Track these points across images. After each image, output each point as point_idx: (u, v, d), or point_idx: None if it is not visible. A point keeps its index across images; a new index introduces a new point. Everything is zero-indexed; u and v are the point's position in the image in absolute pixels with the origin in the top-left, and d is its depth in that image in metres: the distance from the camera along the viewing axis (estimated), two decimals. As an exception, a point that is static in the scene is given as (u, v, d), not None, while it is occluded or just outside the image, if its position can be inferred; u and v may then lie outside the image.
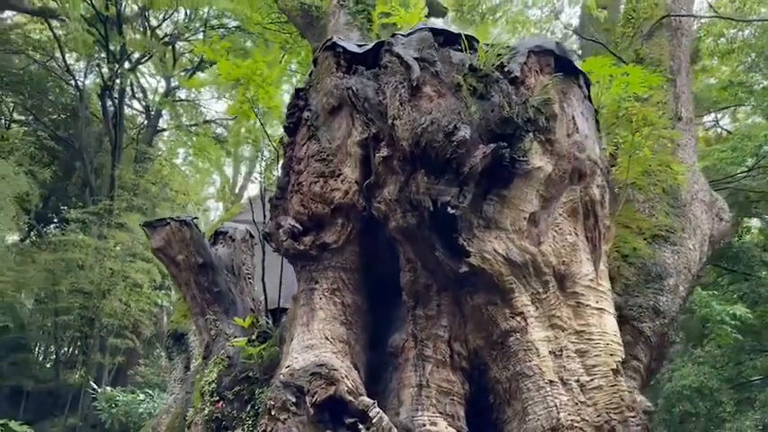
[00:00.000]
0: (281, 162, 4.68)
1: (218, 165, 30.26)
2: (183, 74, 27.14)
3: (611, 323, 3.87)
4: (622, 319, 7.09)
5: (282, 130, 4.68)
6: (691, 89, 9.52)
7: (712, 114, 17.68)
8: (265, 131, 5.70)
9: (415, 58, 4.11)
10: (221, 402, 4.45)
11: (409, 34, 4.40)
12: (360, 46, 4.62)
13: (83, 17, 19.55)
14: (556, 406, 3.44)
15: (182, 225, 5.26)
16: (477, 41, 4.32)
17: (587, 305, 3.82)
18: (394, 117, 3.83)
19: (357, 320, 4.10)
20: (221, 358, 4.69)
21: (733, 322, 10.43)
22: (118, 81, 20.06)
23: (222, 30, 21.44)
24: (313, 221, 4.22)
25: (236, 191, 33.43)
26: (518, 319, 3.70)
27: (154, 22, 22.45)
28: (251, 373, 4.45)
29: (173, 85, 25.54)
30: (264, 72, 5.12)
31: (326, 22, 13.45)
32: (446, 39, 4.33)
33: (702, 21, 14.36)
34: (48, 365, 20.39)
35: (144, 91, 26.03)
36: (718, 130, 18.19)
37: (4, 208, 15.85)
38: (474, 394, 3.83)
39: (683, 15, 9.77)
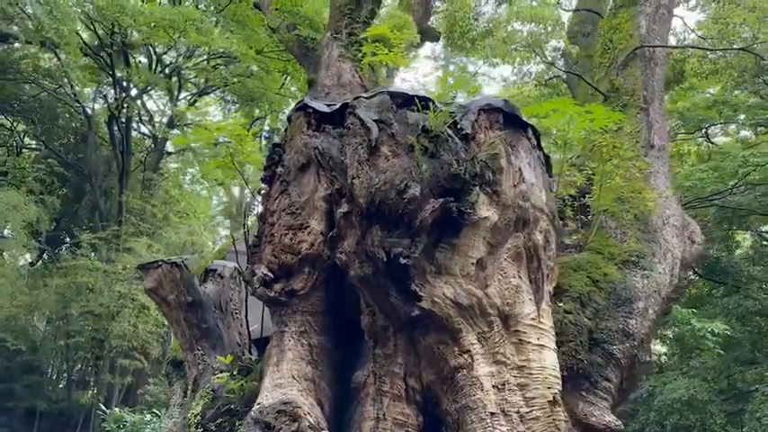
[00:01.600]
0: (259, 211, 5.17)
1: (225, 185, 30.90)
2: (190, 97, 27.89)
3: (550, 358, 4.30)
4: (593, 342, 7.53)
5: (260, 181, 5.17)
6: (664, 117, 9.95)
7: (703, 129, 18.01)
8: (246, 183, 6.21)
9: (375, 120, 4.59)
10: (205, 434, 4.90)
11: (371, 97, 4.88)
12: (329, 105, 5.11)
13: (87, 45, 20.20)
14: (492, 436, 3.88)
15: (173, 267, 5.75)
16: (432, 101, 4.80)
17: (529, 342, 4.26)
18: (353, 176, 4.31)
19: (323, 359, 4.57)
20: (206, 392, 5.16)
21: (713, 338, 10.77)
22: (124, 109, 20.70)
23: (225, 56, 22.13)
24: (283, 270, 4.70)
25: (243, 208, 34.06)
26: (465, 356, 4.16)
27: (159, 49, 23.13)
28: (232, 406, 4.90)
29: (179, 108, 26.23)
30: (239, 131, 5.62)
31: (321, 53, 14.02)
32: (404, 100, 4.81)
33: (687, 41, 14.78)
34: (60, 386, 20.93)
35: (151, 116, 26.74)
36: (710, 145, 18.53)
37: (15, 236, 16.48)
38: (428, 425, 4.27)
39: (655, 46, 10.21)
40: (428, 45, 20.70)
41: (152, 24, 12.16)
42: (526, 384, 4.12)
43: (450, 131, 4.69)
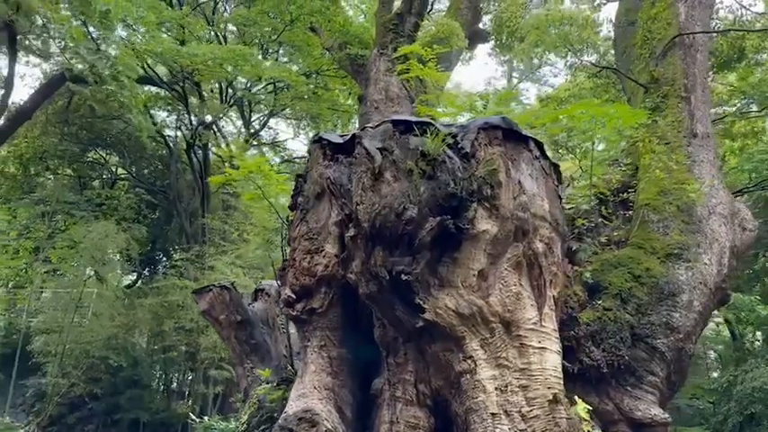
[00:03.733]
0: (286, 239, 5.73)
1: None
2: (262, 117, 29.28)
3: (551, 360, 4.57)
4: (636, 338, 7.64)
5: (289, 209, 5.73)
6: (708, 104, 9.78)
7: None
8: (277, 212, 6.80)
9: (379, 148, 5.04)
10: (250, 440, 5.48)
11: (377, 126, 5.32)
12: (342, 136, 5.59)
13: (161, 79, 21.65)
14: (493, 434, 4.22)
15: (222, 290, 6.41)
16: (433, 125, 5.18)
17: (530, 345, 4.55)
18: (357, 202, 4.77)
19: (343, 370, 5.04)
20: (253, 402, 5.75)
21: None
22: (200, 136, 22.10)
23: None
24: (303, 291, 5.22)
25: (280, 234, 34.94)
26: (469, 361, 4.51)
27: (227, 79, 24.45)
28: (274, 414, 5.46)
29: (252, 130, 27.63)
30: (264, 167, 6.21)
31: (369, 69, 14.57)
32: (406, 127, 5.21)
33: (745, 19, 14.19)
34: (160, 398, 22.55)
35: (227, 140, 28.28)
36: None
37: (109, 261, 18.09)
38: (440, 427, 4.65)
39: (694, 33, 10.03)
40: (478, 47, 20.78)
41: (208, 62, 13.16)
42: (527, 385, 4.42)
43: (449, 152, 5.06)
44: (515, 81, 35.40)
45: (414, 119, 5.29)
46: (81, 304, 19.41)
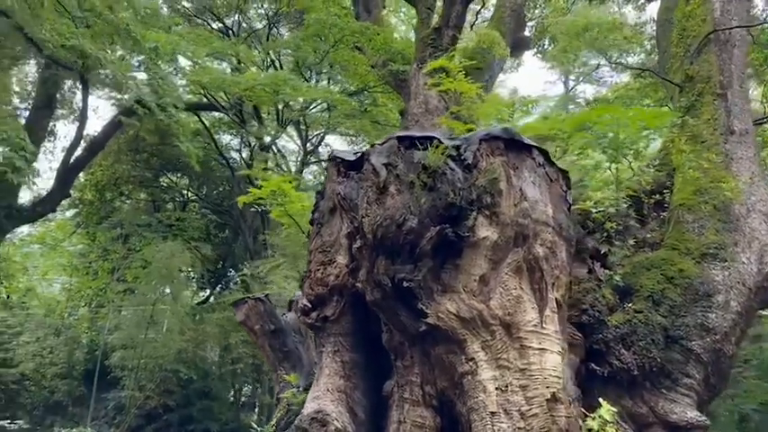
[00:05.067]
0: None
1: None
2: (320, 134, 30.19)
3: (551, 360, 4.72)
4: (670, 340, 7.59)
5: (309, 224, 6.12)
6: (746, 99, 9.56)
7: None
8: (300, 227, 7.22)
9: (384, 164, 5.36)
10: (278, 442, 5.85)
11: (383, 143, 5.65)
12: (355, 154, 5.95)
13: (222, 105, 22.76)
14: (492, 432, 4.41)
15: (257, 301, 6.86)
16: (437, 138, 5.45)
17: (530, 347, 4.72)
18: (363, 215, 5.10)
19: (355, 373, 5.35)
20: (283, 405, 6.15)
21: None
22: (257, 158, 23.09)
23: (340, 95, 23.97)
24: (318, 300, 5.57)
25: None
26: (470, 363, 4.73)
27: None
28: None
29: (309, 148, 28.53)
30: (285, 187, 6.64)
31: (410, 83, 14.93)
32: (411, 142, 5.51)
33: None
34: (228, 409, 23.48)
35: (285, 158, 29.31)
36: None
37: (178, 279, 19.18)
38: (446, 426, 4.88)
39: (729, 28, 9.83)
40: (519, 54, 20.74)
41: (253, 88, 13.91)
42: (527, 385, 4.59)
43: (451, 164, 5.32)
44: (572, 84, 34.92)
45: (418, 134, 5.58)
46: (154, 321, 20.57)
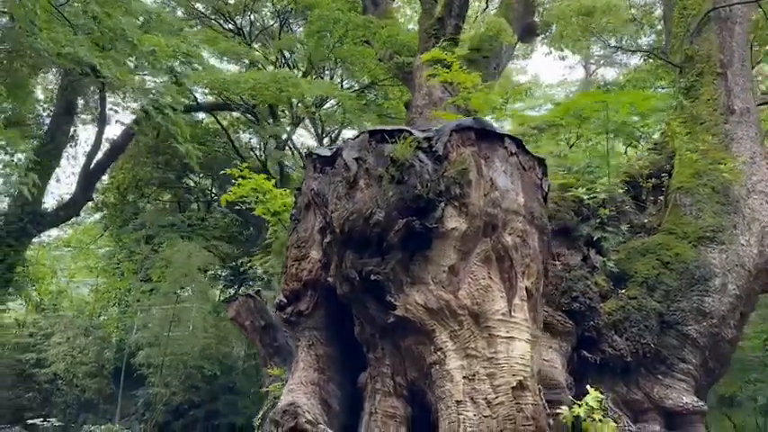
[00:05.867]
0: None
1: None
2: (337, 129, 30.29)
3: (519, 348, 4.71)
4: (665, 325, 7.52)
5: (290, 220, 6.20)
6: (748, 77, 9.34)
7: None
8: (284, 225, 7.28)
9: (355, 158, 5.41)
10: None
11: (356, 137, 5.70)
12: (330, 150, 6.00)
13: (237, 104, 23.01)
14: (457, 421, 4.43)
15: (247, 298, 6.98)
16: (409, 131, 5.48)
17: (498, 335, 4.73)
18: (332, 210, 5.16)
19: (330, 366, 5.42)
20: (270, 399, 6.25)
21: None
22: (271, 155, 23.28)
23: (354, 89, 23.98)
24: (293, 295, 5.65)
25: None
26: (438, 353, 4.76)
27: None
28: (284, 408, 5.91)
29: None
30: (266, 185, 6.73)
31: (414, 75, 14.90)
32: (382, 136, 5.55)
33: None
34: (253, 403, 23.80)
35: (301, 154, 29.48)
36: None
37: (197, 277, 19.53)
38: (417, 416, 4.93)
39: (730, 5, 9.60)
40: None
41: (255, 87, 14.03)
42: (494, 374, 4.60)
43: (421, 156, 5.34)
44: (593, 68, 34.37)
45: (390, 128, 5.61)
46: (178, 319, 20.95)
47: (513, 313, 4.85)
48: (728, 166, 8.21)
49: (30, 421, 19.61)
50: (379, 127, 5.65)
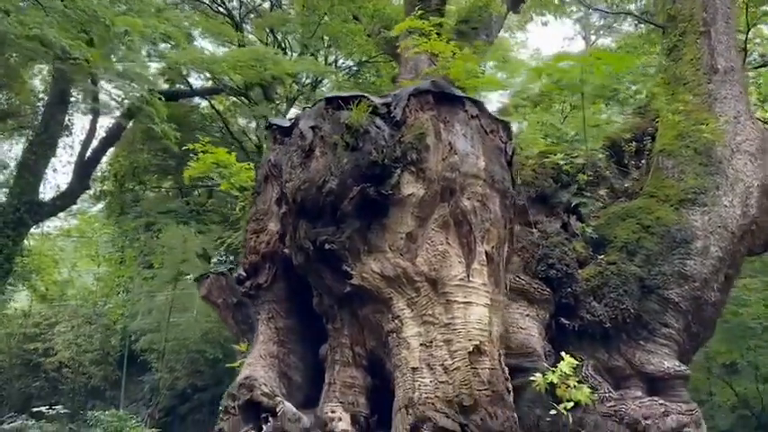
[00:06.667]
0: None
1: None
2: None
3: (476, 313, 4.60)
4: (646, 290, 7.37)
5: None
6: (732, 35, 9.08)
7: None
8: (245, 197, 7.17)
9: (311, 127, 5.29)
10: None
11: (313, 105, 5.57)
12: (290, 120, 5.87)
13: (231, 87, 22.82)
14: (413, 388, 4.34)
15: (219, 276, 6.89)
16: (365, 98, 5.34)
17: (455, 301, 4.62)
18: (286, 180, 5.05)
19: (291, 338, 5.34)
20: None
21: None
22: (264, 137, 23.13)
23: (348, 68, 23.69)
24: (252, 269, 5.55)
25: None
26: (396, 321, 4.67)
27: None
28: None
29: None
30: (228, 159, 6.60)
31: (400, 49, 14.66)
32: (339, 103, 5.41)
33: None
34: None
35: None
36: None
37: (194, 263, 19.54)
38: (378, 385, 4.84)
39: (712, -39, 9.29)
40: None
41: (236, 66, 13.84)
42: (451, 339, 4.50)
43: (378, 122, 5.21)
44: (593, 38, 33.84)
45: (347, 94, 5.47)
46: (178, 304, 21.02)
47: (471, 278, 4.74)
48: (711, 127, 8.01)
49: (35, 409, 19.78)
50: (335, 94, 5.51)
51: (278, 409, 4.64)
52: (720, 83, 8.59)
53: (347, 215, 4.81)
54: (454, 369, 4.41)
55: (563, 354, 6.06)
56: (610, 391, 6.86)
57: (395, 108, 5.24)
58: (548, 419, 5.74)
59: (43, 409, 19.31)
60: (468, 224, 4.90)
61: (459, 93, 5.42)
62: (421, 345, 4.51)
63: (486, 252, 4.89)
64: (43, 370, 24.97)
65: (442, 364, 4.43)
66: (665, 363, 7.02)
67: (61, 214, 30.20)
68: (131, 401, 24.49)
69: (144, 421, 20.84)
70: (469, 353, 4.42)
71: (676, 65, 9.05)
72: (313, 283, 5.03)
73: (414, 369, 4.41)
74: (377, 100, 5.37)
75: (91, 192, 25.06)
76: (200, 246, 20.24)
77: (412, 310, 4.66)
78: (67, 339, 24.45)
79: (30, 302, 28.51)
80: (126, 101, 12.02)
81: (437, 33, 11.52)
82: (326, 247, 4.71)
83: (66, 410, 20.67)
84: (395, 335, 4.62)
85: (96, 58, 9.84)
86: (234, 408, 4.91)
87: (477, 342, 4.46)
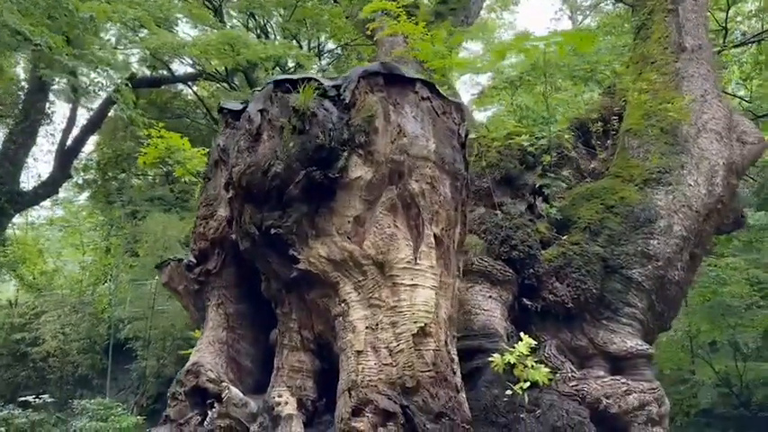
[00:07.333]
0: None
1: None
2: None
3: (422, 295, 4.58)
4: (610, 270, 7.38)
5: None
6: (701, 13, 9.03)
7: None
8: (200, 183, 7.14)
9: (259, 110, 5.22)
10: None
11: (263, 88, 5.50)
12: (242, 103, 5.80)
13: (217, 72, 22.65)
14: (356, 371, 4.33)
15: (179, 262, 6.84)
16: (315, 80, 5.28)
17: (402, 284, 4.60)
18: (233, 165, 5.00)
19: (241, 324, 5.32)
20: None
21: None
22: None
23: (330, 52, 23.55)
24: (201, 255, 5.52)
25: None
26: (343, 305, 4.65)
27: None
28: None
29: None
30: (181, 143, 6.54)
31: (376, 31, 14.53)
32: (288, 86, 5.34)
33: None
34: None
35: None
36: None
37: (176, 250, 19.50)
38: (327, 369, 4.84)
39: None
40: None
41: (205, 49, 13.69)
42: (397, 322, 4.49)
43: (327, 104, 5.15)
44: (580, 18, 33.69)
45: (297, 76, 5.39)
46: (163, 292, 20.96)
47: (418, 261, 4.72)
48: (677, 106, 7.98)
49: (22, 399, 19.77)
50: (285, 76, 5.44)
51: (223, 395, 4.63)
52: (688, 61, 8.56)
53: (294, 199, 4.77)
54: (398, 351, 4.40)
55: (522, 334, 6.07)
56: (572, 371, 6.88)
57: (344, 90, 5.17)
58: (504, 399, 5.76)
59: (30, 398, 19.35)
60: (416, 207, 4.86)
61: (410, 74, 5.35)
62: (367, 328, 4.50)
63: (434, 234, 4.86)
64: (31, 359, 24.92)
65: (387, 347, 4.42)
66: (628, 342, 7.04)
67: (47, 204, 30.10)
68: (120, 389, 24.53)
69: (131, 409, 20.89)
70: (414, 335, 4.41)
71: (644, 43, 9.01)
72: (260, 268, 5.00)
73: (358, 352, 4.40)
74: (326, 82, 5.30)
75: (74, 180, 24.90)
76: (182, 233, 20.18)
77: (359, 294, 4.64)
78: (54, 329, 24.40)
79: (16, 292, 28.43)
80: (104, 89, 11.89)
81: (409, 14, 11.44)
82: (272, 231, 4.67)
83: (53, 399, 20.69)
84: (341, 318, 4.60)
85: (60, 45, 9.69)
86: (181, 394, 4.90)
87: (423, 324, 4.44)
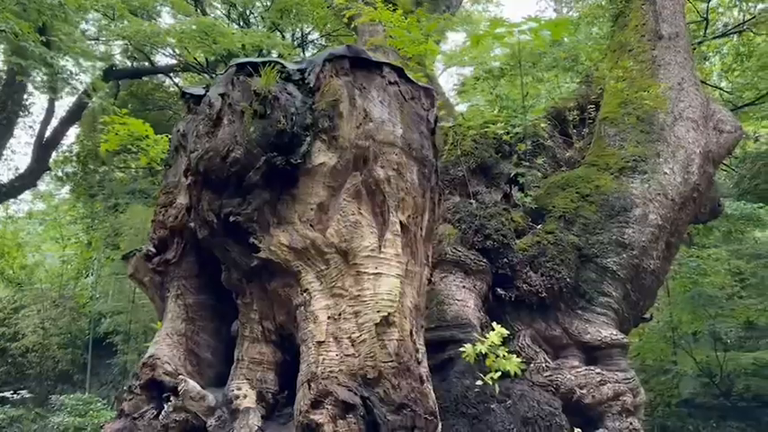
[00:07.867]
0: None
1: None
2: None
3: (386, 284, 4.46)
4: (584, 259, 7.29)
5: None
6: (680, 1, 8.93)
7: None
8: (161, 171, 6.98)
9: (220, 94, 5.06)
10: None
11: (224, 72, 5.34)
12: (204, 88, 5.64)
13: (198, 63, 22.36)
14: (317, 362, 4.20)
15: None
16: (278, 63, 5.12)
17: (365, 272, 4.47)
18: (191, 150, 4.84)
19: (202, 315, 5.17)
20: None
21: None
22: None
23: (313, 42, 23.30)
24: (161, 244, 5.36)
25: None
26: (305, 294, 4.51)
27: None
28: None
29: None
30: (144, 129, 6.37)
31: (355, 19, 14.35)
32: (250, 69, 5.18)
33: None
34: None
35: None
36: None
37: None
38: (290, 360, 4.70)
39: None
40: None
41: (181, 38, 13.41)
42: (359, 311, 4.36)
43: (290, 88, 4.99)
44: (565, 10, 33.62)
45: (259, 60, 5.24)
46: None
47: (383, 249, 4.59)
48: (653, 93, 7.91)
49: (0, 395, 19.50)
50: (247, 59, 5.27)
51: (180, 388, 4.49)
52: (665, 49, 8.48)
53: (254, 186, 4.62)
54: (361, 342, 4.27)
55: (494, 324, 5.99)
56: (547, 361, 6.82)
57: (309, 74, 5.02)
58: (475, 390, 5.68)
59: (8, 394, 19.12)
60: (381, 193, 4.73)
61: (377, 58, 5.22)
62: (329, 318, 4.37)
63: (400, 222, 4.73)
64: (9, 355, 24.58)
65: (350, 337, 4.29)
66: (603, 332, 6.97)
67: (28, 197, 29.71)
68: (101, 384, 24.27)
69: (112, 404, 20.66)
70: (376, 324, 4.28)
71: (622, 32, 8.93)
72: (220, 257, 4.85)
73: (320, 343, 4.27)
74: (291, 66, 5.15)
75: (55, 173, 24.53)
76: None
77: (321, 283, 4.50)
78: (34, 323, 24.09)
79: (-3, 286, 28.05)
80: (74, 77, 11.63)
81: (390, 2, 11.27)
82: (232, 219, 4.53)
83: (31, 394, 20.45)
84: (303, 308, 4.47)
85: (27, 31, 9.44)
86: (137, 387, 4.75)
87: (386, 313, 4.32)
